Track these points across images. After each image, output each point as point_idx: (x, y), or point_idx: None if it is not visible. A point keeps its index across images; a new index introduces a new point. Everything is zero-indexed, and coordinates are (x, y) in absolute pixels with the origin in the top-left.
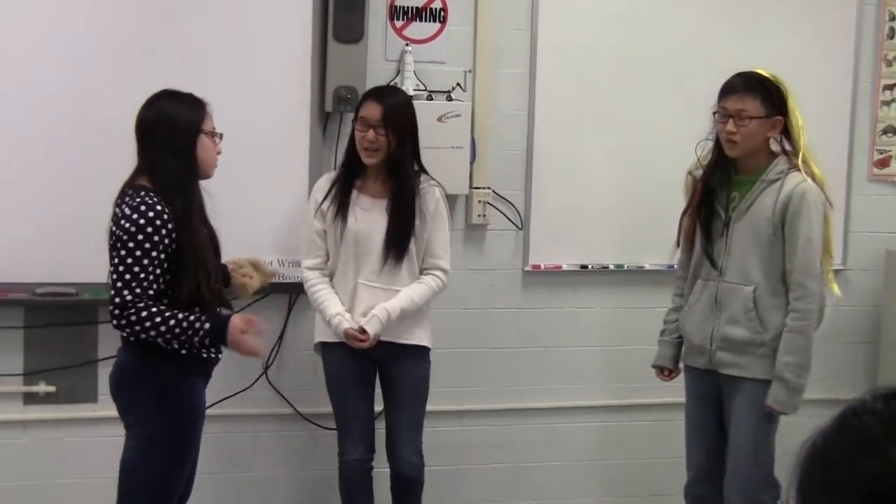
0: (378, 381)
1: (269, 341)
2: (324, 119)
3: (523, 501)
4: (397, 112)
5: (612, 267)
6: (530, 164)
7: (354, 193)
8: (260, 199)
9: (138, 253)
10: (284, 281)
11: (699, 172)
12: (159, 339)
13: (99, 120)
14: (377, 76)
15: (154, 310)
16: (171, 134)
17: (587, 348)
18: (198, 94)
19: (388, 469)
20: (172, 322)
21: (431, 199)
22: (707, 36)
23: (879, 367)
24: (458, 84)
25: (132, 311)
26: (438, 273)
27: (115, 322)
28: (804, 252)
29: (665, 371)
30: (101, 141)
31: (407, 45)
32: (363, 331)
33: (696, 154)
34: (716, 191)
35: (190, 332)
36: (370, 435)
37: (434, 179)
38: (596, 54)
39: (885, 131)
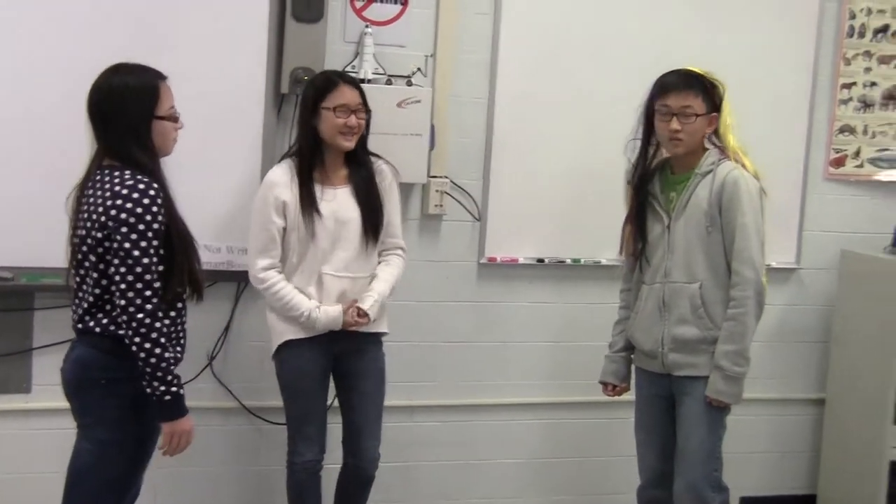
0: (332, 376)
1: (214, 331)
2: (279, 100)
3: (474, 500)
4: (365, 95)
5: (568, 261)
6: (489, 153)
7: (318, 185)
8: (210, 181)
9: (144, 244)
10: (232, 269)
11: (630, 177)
12: (142, 353)
13: (43, 99)
14: (336, 58)
15: (165, 331)
16: (126, 117)
17: (542, 343)
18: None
19: (342, 466)
20: (168, 355)
21: (386, 178)
22: (669, 28)
23: (830, 366)
24: (419, 69)
25: (150, 321)
26: (400, 252)
27: (128, 320)
28: (742, 239)
29: (610, 387)
30: (39, 121)
31: (367, 26)
32: (362, 313)
33: (626, 156)
34: (652, 193)
35: (163, 375)
36: (324, 435)
37: (380, 157)
38: (559, 42)
39: (841, 130)
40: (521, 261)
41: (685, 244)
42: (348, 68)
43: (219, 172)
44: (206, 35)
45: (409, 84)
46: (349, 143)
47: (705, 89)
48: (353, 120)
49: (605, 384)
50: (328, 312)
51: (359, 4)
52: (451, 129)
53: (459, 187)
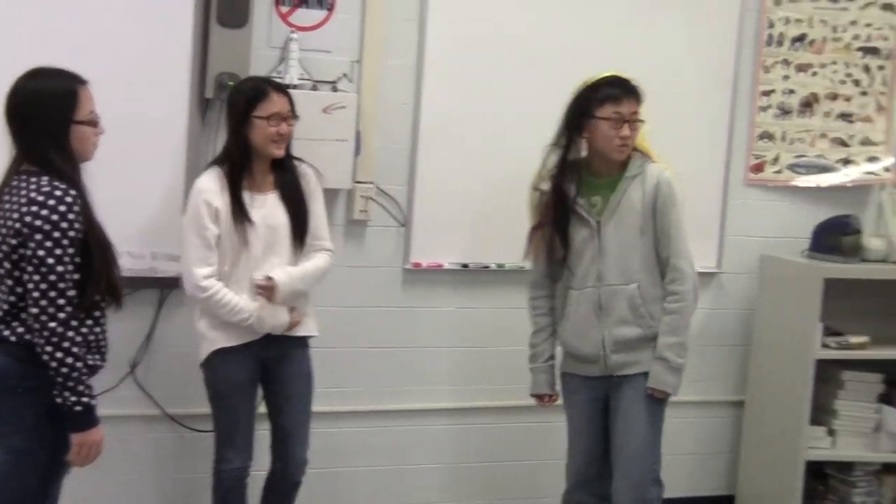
0: (261, 382)
1: (137, 339)
2: (203, 106)
3: None
4: (293, 101)
5: (493, 266)
6: (415, 159)
7: (247, 192)
8: (133, 187)
9: (58, 251)
10: (156, 275)
11: (546, 186)
12: (53, 363)
13: None
14: (261, 63)
15: (79, 340)
16: (44, 121)
17: (467, 349)
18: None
19: (269, 472)
20: (79, 364)
21: (310, 181)
22: (593, 36)
23: (749, 369)
24: (345, 75)
25: (62, 329)
26: (324, 253)
27: (40, 329)
28: (677, 236)
29: (546, 397)
30: None
31: (292, 31)
32: (269, 284)
33: (546, 164)
34: (573, 198)
35: (74, 385)
36: (251, 442)
37: (302, 161)
38: (485, 48)
39: (761, 137)
40: (446, 266)
41: (618, 247)
42: (273, 74)
43: (142, 178)
44: (129, 39)
45: (335, 90)
46: (280, 151)
47: (641, 96)
48: (284, 127)
49: (539, 396)
50: (274, 314)
51: (284, 10)
52: (376, 135)
53: (385, 193)
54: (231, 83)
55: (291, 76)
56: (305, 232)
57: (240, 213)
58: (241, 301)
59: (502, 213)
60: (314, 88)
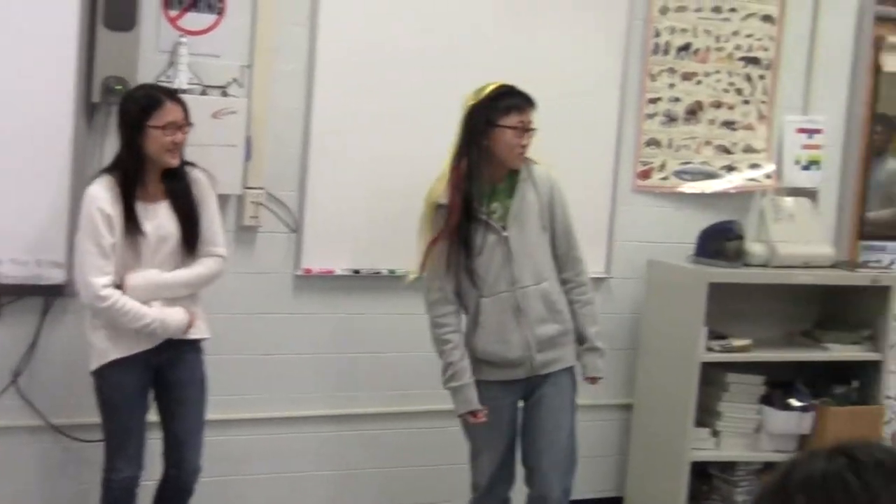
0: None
1: (20, 348)
2: (90, 110)
3: None
4: (188, 109)
5: (384, 272)
6: (306, 165)
7: (139, 202)
8: (17, 193)
9: None
10: (41, 283)
11: (444, 199)
12: None
13: None
14: (149, 67)
15: None
16: None
17: (360, 354)
18: None
19: (161, 479)
20: None
21: (203, 187)
22: (483, 43)
23: (637, 373)
24: (235, 79)
25: None
26: (212, 259)
27: None
28: (573, 231)
29: (480, 413)
30: None
31: (181, 35)
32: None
33: (442, 176)
34: (472, 206)
35: None
36: (143, 451)
37: (194, 165)
38: (376, 55)
39: (648, 143)
40: (338, 272)
41: (526, 248)
42: (162, 78)
43: (27, 183)
44: (12, 42)
45: (225, 95)
46: (175, 161)
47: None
48: (179, 136)
49: (473, 413)
50: (174, 315)
51: (173, 13)
52: (267, 141)
53: (275, 198)
54: (119, 87)
55: (181, 81)
56: (195, 241)
57: (132, 224)
58: (141, 308)
59: (394, 219)
60: (204, 93)
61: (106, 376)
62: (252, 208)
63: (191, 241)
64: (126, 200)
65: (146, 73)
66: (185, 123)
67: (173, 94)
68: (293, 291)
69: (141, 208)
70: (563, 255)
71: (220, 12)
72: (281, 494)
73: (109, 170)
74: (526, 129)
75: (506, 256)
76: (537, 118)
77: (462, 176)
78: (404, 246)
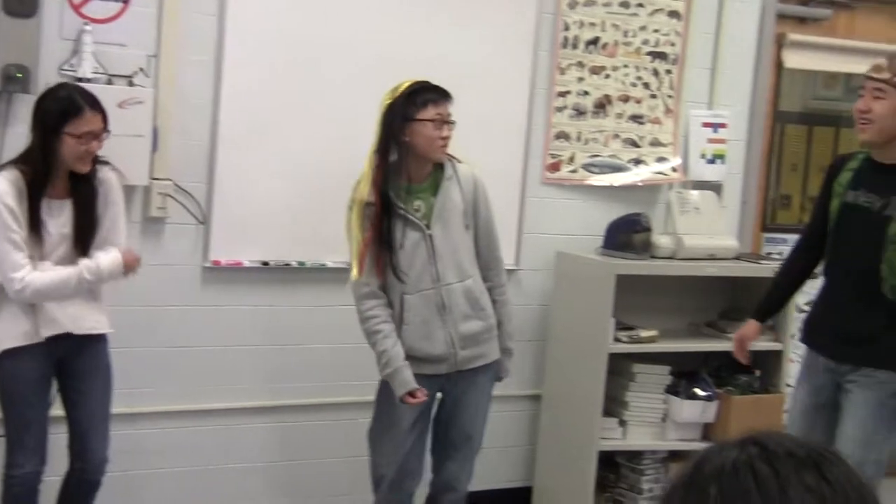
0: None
1: None
2: None
3: None
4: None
5: (294, 264)
6: (214, 156)
7: (45, 200)
8: None
9: None
10: None
11: (371, 198)
12: None
13: None
14: (52, 55)
15: None
16: None
17: (267, 347)
18: None
19: (67, 473)
20: None
21: (110, 185)
22: (394, 35)
23: (546, 363)
24: (141, 69)
25: None
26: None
27: None
28: (494, 231)
29: (418, 392)
30: None
31: (86, 23)
32: None
33: (369, 170)
34: (395, 205)
35: None
36: (45, 445)
37: (107, 162)
38: (286, 44)
39: (557, 136)
40: (246, 264)
41: (450, 246)
42: (66, 67)
43: None
44: None
45: (131, 84)
46: (86, 168)
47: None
48: (94, 146)
49: (411, 393)
50: (107, 259)
51: (76, 0)
52: (174, 131)
53: (183, 190)
54: (19, 75)
55: (85, 69)
56: (88, 242)
57: (36, 222)
58: (60, 271)
59: (304, 211)
60: (109, 82)
61: (2, 366)
62: (159, 199)
63: (83, 241)
64: (32, 198)
65: (48, 60)
66: (102, 132)
67: (95, 102)
68: (201, 284)
69: (47, 206)
70: (484, 255)
71: (126, 0)
72: (190, 488)
73: (16, 162)
74: (445, 122)
75: (429, 254)
76: (451, 111)
77: (382, 174)
78: (314, 238)
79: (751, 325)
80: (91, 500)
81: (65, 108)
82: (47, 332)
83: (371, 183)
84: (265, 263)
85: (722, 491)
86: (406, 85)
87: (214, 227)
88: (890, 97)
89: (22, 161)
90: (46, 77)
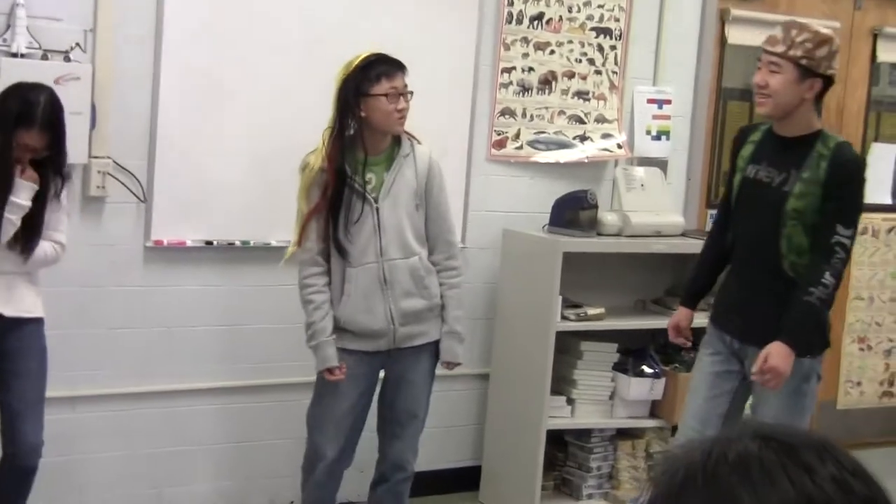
0: None
1: None
2: None
3: (143, 490)
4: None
5: (238, 243)
6: (154, 133)
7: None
8: None
9: None
10: None
11: (325, 164)
12: None
13: None
14: None
15: None
16: None
17: (211, 328)
18: None
19: (1, 461)
20: None
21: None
22: (336, 10)
23: (494, 341)
24: (78, 44)
25: None
26: (50, 243)
27: None
28: (448, 214)
29: (337, 370)
30: None
31: None
32: None
33: (323, 144)
34: (347, 177)
35: None
36: None
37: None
38: (229, 16)
39: (502, 113)
40: (189, 244)
41: (397, 222)
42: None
43: None
44: None
45: (68, 60)
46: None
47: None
48: (29, 156)
49: (329, 370)
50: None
51: None
52: (113, 108)
53: (123, 168)
54: None
55: (19, 44)
56: (31, 238)
57: None
58: None
59: (248, 189)
60: (44, 58)
61: None
62: (98, 178)
63: (27, 236)
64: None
65: None
66: (43, 149)
67: (47, 121)
68: (143, 263)
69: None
70: (434, 237)
71: None
72: (132, 472)
73: None
74: (400, 94)
75: (375, 227)
76: None
77: (338, 148)
78: (259, 216)
79: (682, 313)
80: (26, 485)
81: (18, 113)
82: None
83: (326, 156)
84: (209, 243)
85: (742, 481)
86: (360, 59)
87: (156, 205)
88: (785, 71)
89: None
90: None
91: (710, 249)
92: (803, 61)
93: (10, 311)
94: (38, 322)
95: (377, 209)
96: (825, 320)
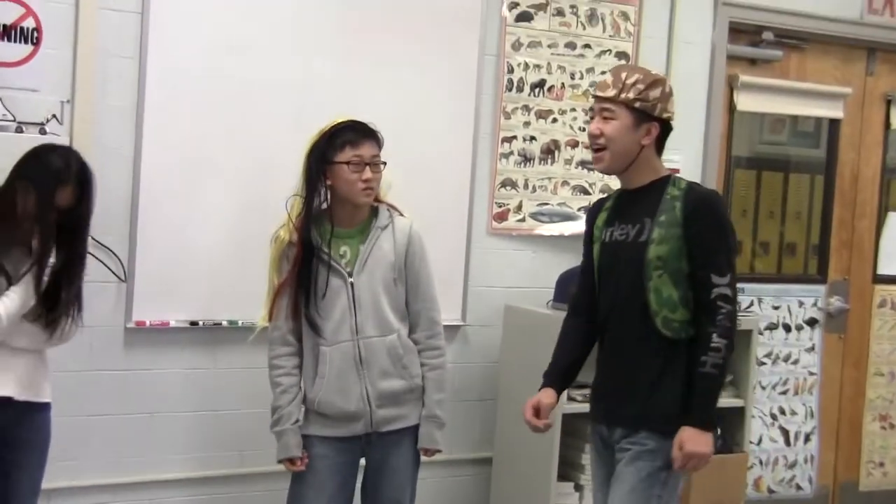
0: None
1: None
2: None
3: None
4: None
5: (225, 323)
6: (136, 208)
7: None
8: None
9: None
10: None
11: (294, 237)
12: None
13: None
14: None
15: None
16: None
17: (194, 413)
18: None
19: None
20: None
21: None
22: (328, 73)
23: (497, 423)
24: (55, 115)
25: None
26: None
27: None
28: (431, 290)
29: (297, 461)
30: None
31: None
32: None
33: (287, 211)
34: (319, 248)
35: None
36: None
37: None
38: (212, 87)
39: (503, 184)
40: (173, 324)
41: (373, 298)
42: None
43: None
44: None
45: (44, 132)
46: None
47: (380, 139)
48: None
49: (290, 460)
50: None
51: None
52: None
53: (103, 245)
54: None
55: None
56: None
57: None
58: None
59: (235, 267)
60: (19, 130)
61: None
62: None
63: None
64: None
65: None
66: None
67: (79, 179)
68: (124, 346)
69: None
70: (415, 313)
71: (37, 42)
72: None
73: None
74: (366, 164)
75: (350, 303)
76: (389, 159)
77: (305, 219)
78: (246, 295)
79: (544, 392)
80: None
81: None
82: None
83: (293, 227)
84: (194, 323)
85: None
86: (331, 125)
87: (137, 284)
88: (619, 116)
89: None
90: None
91: (568, 330)
92: (637, 104)
93: (24, 396)
94: (48, 412)
95: (351, 284)
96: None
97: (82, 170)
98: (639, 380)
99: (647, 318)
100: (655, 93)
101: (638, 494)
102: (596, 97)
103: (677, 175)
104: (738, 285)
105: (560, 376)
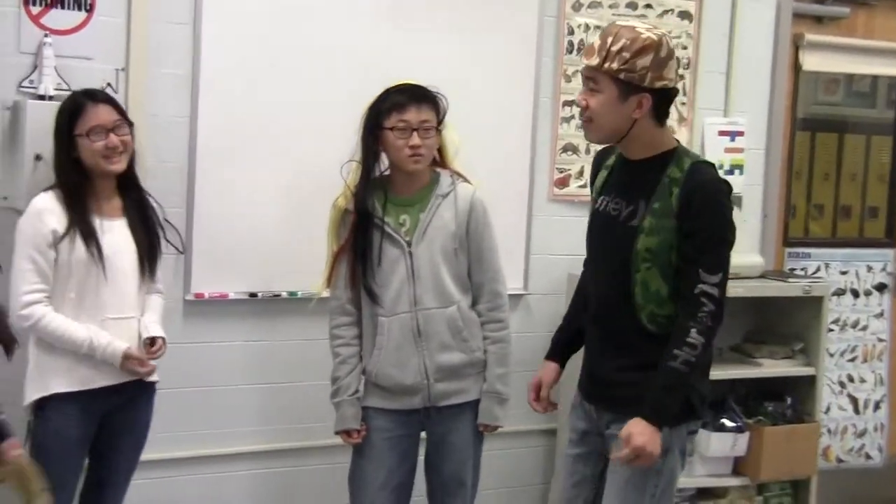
0: None
1: None
2: None
3: None
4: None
5: (284, 295)
6: (193, 179)
7: (95, 217)
8: None
9: None
10: None
11: (350, 205)
12: None
13: None
14: (9, 70)
15: None
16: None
17: (257, 386)
18: None
19: None
20: None
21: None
22: (385, 38)
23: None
24: (109, 84)
25: None
26: (158, 294)
27: None
28: (492, 260)
29: (353, 433)
30: None
31: (46, 35)
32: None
33: (342, 177)
34: (377, 217)
35: None
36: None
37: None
38: (268, 52)
39: (564, 149)
40: (232, 296)
41: (432, 268)
42: (26, 83)
43: None
44: None
45: None
46: (117, 165)
47: (436, 103)
48: (113, 139)
49: (346, 432)
50: (113, 344)
51: (35, 10)
52: (148, 153)
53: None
54: None
55: (46, 86)
56: (155, 267)
57: (83, 239)
58: (79, 330)
59: (294, 237)
60: None
61: (45, 416)
62: None
63: (150, 265)
64: (78, 214)
65: (6, 76)
66: (118, 124)
67: (98, 95)
68: (183, 318)
69: (98, 223)
70: (478, 285)
71: (90, 9)
72: None
73: (54, 185)
74: (414, 129)
75: (408, 274)
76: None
77: (362, 185)
78: (306, 266)
79: (547, 368)
80: None
81: (68, 110)
82: (108, 377)
83: (352, 194)
84: (253, 295)
85: None
86: (386, 90)
87: (196, 256)
88: (604, 89)
89: (57, 181)
90: (4, 95)
91: (580, 292)
92: (622, 75)
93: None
94: (153, 393)
95: (410, 253)
96: (695, 386)
97: (92, 91)
98: (627, 369)
99: (632, 309)
100: (644, 61)
101: (633, 485)
102: (585, 66)
103: (684, 149)
104: (805, 250)
105: (563, 346)
